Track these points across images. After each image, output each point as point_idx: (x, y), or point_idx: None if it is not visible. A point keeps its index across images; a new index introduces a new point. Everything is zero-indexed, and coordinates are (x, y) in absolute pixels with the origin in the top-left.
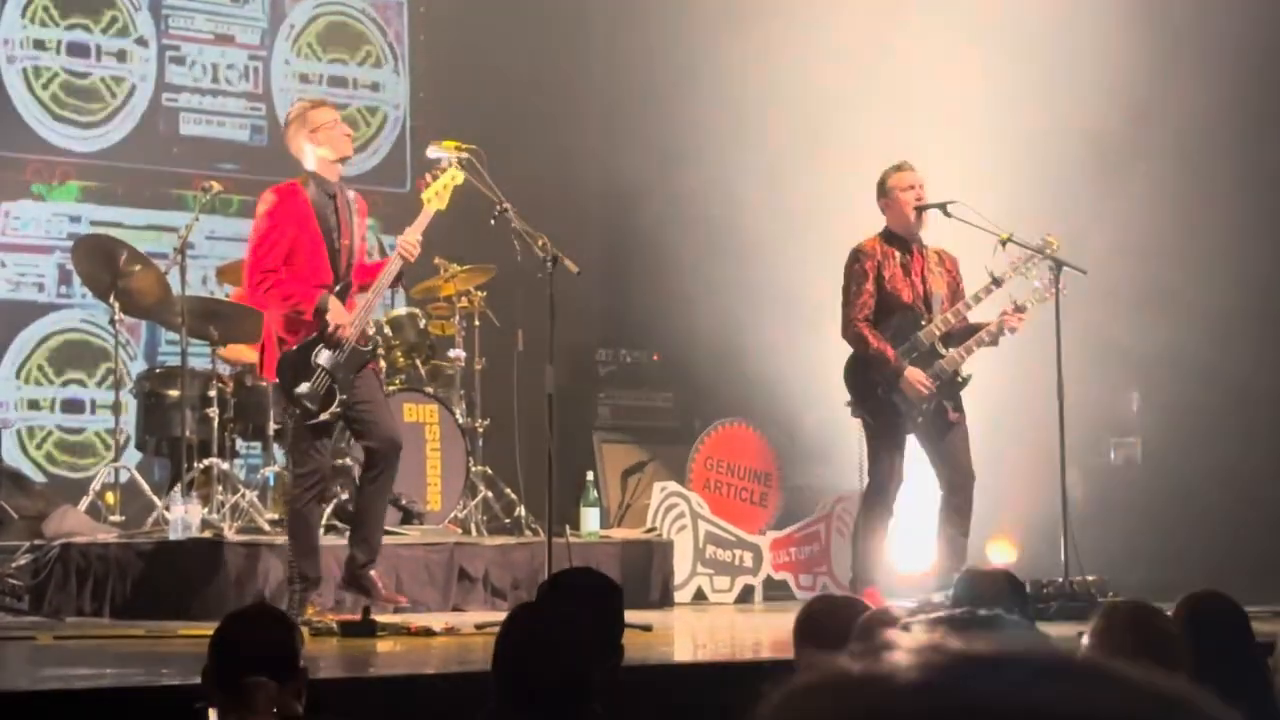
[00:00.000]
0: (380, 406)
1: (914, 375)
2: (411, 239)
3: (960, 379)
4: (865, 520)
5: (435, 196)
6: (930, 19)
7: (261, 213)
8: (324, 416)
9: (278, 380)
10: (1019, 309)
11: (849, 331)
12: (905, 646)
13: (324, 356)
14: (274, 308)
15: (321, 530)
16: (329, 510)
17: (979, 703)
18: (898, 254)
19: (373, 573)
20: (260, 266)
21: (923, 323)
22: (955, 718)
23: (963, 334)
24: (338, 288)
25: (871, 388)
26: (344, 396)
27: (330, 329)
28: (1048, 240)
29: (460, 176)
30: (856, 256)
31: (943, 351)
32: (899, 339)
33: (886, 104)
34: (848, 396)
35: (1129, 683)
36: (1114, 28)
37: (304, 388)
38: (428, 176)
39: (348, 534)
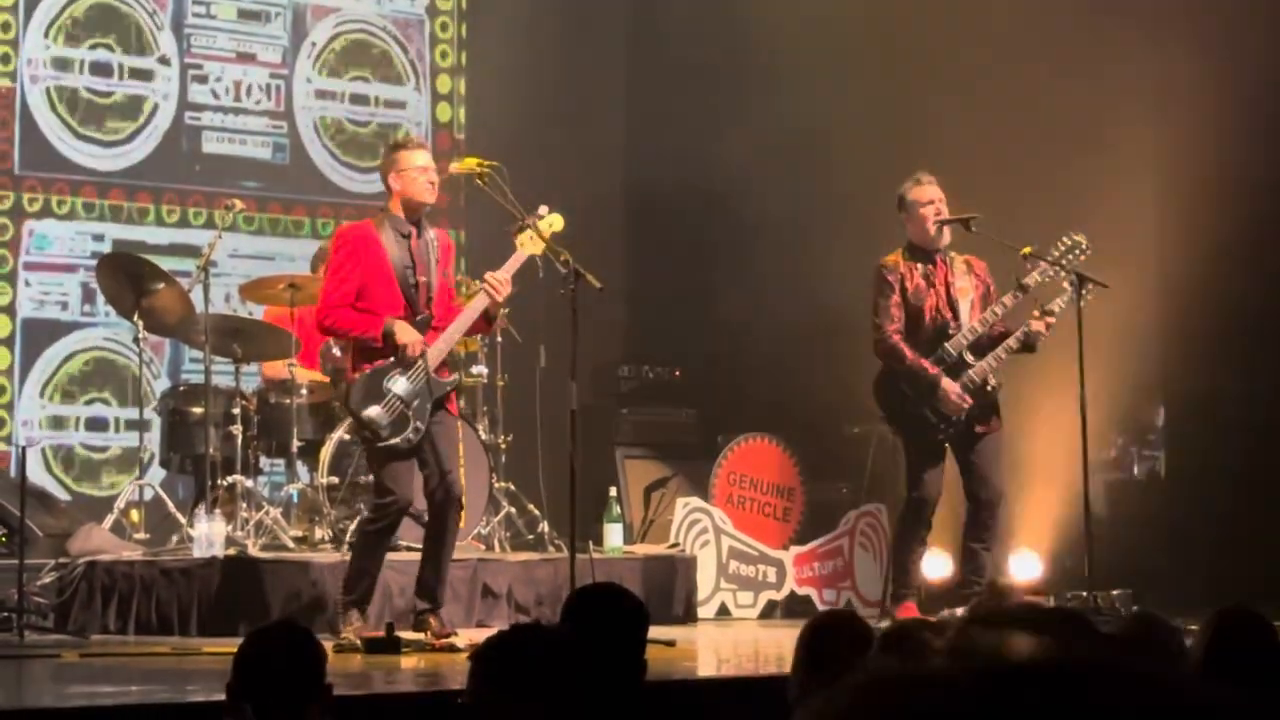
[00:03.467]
0: (449, 458)
1: (950, 388)
2: (501, 277)
3: (990, 388)
4: (903, 534)
5: (529, 240)
6: (947, 23)
7: (332, 253)
8: (395, 441)
9: (346, 401)
10: (1046, 313)
11: (883, 346)
12: (962, 650)
13: (398, 383)
14: (344, 339)
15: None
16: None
17: (1032, 707)
18: (920, 266)
19: (431, 619)
20: (327, 303)
21: (950, 332)
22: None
23: (991, 342)
24: (417, 320)
25: (902, 400)
26: (419, 424)
27: (404, 350)
28: (1075, 240)
29: (559, 223)
30: (880, 271)
31: (971, 361)
32: (926, 351)
33: (903, 116)
34: (879, 411)
35: (1176, 688)
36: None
37: (373, 410)
38: (526, 221)
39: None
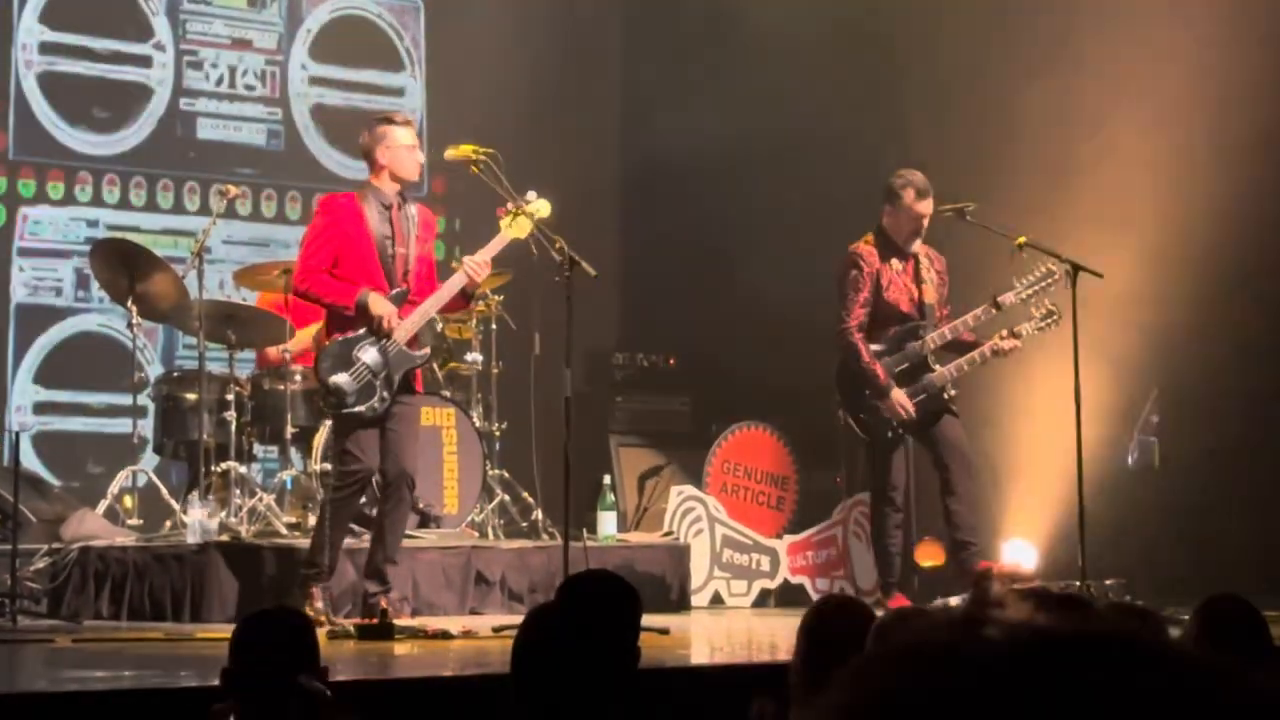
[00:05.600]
0: (408, 436)
1: (897, 397)
2: (479, 259)
3: (946, 396)
4: (878, 522)
5: (515, 224)
6: (946, 10)
7: (313, 218)
8: (360, 409)
9: (315, 367)
10: (1014, 335)
11: (843, 339)
12: (992, 621)
13: (368, 353)
14: (319, 305)
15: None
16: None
17: (1061, 681)
18: (895, 261)
19: (383, 601)
20: (304, 267)
21: (920, 333)
22: (1038, 694)
23: (957, 349)
24: (394, 293)
25: (860, 390)
26: (385, 395)
27: (377, 322)
28: (1050, 269)
29: (546, 209)
30: (854, 262)
31: (934, 366)
32: (892, 348)
33: (897, 107)
34: (838, 398)
35: (1195, 665)
36: (1132, 26)
37: (340, 377)
38: (510, 205)
39: (364, 560)
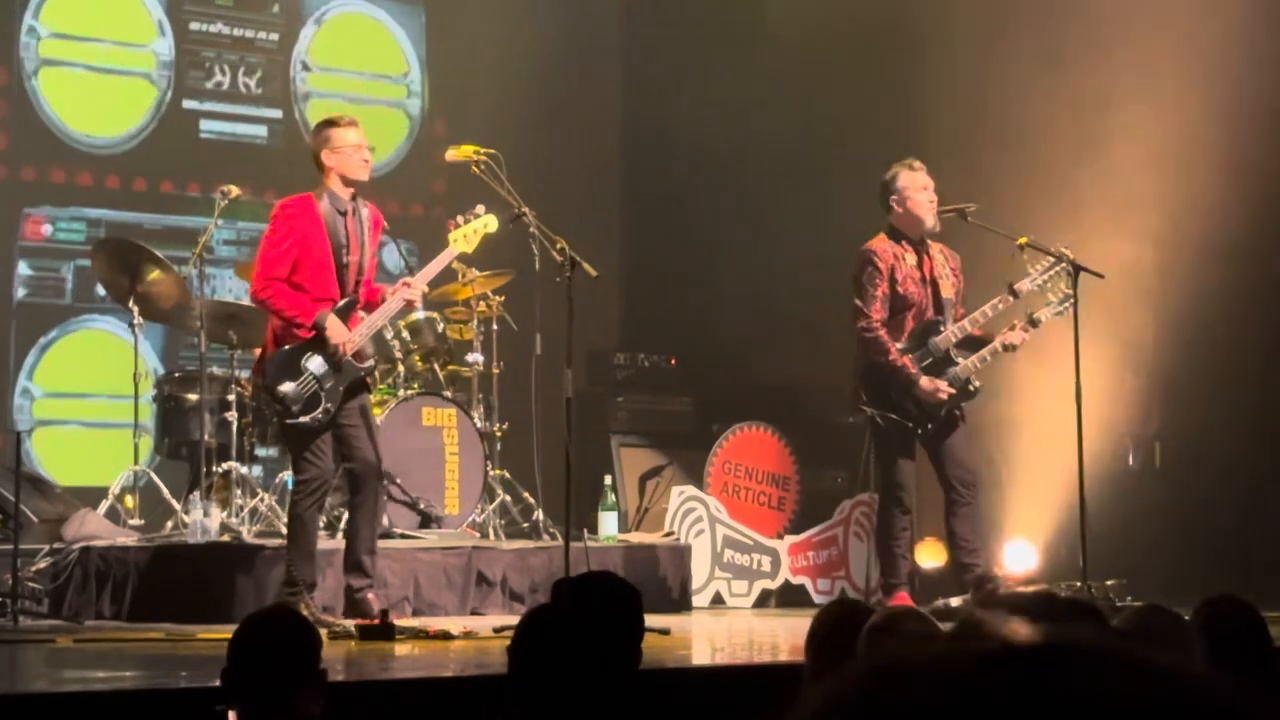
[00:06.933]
0: (365, 431)
1: (929, 384)
2: (418, 288)
3: (972, 388)
4: (884, 523)
5: (463, 239)
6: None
7: (271, 223)
8: (304, 420)
9: (263, 376)
10: (1032, 323)
11: (868, 334)
12: (965, 635)
13: (314, 362)
14: (275, 316)
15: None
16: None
17: (1015, 687)
18: (908, 256)
19: (370, 595)
20: (265, 274)
21: (940, 328)
22: (1015, 707)
23: (976, 342)
24: (343, 302)
25: (886, 389)
26: (329, 406)
27: (331, 348)
28: (1063, 250)
29: (494, 224)
30: (869, 258)
31: (957, 360)
32: (914, 344)
33: (895, 108)
34: (862, 395)
35: (1169, 674)
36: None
37: (287, 387)
38: (459, 219)
39: (342, 557)
